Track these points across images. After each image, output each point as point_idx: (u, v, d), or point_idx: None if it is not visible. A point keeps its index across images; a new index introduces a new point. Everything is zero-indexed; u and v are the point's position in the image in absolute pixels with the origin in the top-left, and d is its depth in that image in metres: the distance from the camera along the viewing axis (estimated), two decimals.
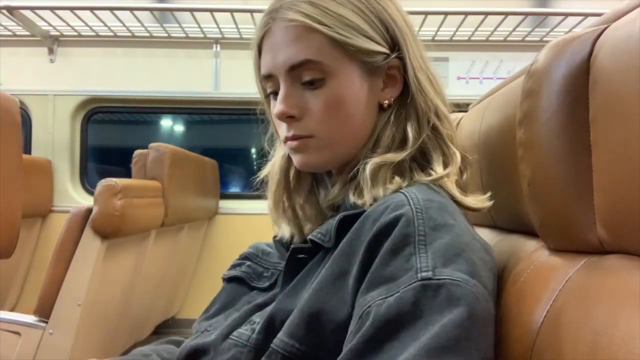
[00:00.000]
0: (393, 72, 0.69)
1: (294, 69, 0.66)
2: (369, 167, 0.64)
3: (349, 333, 0.54)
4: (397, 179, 0.64)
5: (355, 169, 0.66)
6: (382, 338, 0.50)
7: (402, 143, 0.67)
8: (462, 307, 0.50)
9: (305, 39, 0.65)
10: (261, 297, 0.72)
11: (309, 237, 0.66)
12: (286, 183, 0.75)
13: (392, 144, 0.68)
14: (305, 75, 0.66)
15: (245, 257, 0.80)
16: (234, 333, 0.65)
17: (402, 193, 0.60)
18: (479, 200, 0.67)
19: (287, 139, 0.69)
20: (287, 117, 0.67)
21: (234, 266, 0.80)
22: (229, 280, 0.78)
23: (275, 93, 0.68)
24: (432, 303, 0.50)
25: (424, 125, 0.67)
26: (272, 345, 0.58)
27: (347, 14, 0.65)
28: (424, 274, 0.52)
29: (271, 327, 0.61)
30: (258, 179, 0.78)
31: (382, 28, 0.67)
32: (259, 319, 0.65)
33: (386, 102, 0.69)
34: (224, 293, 0.77)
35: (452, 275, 0.52)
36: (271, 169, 0.77)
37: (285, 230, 0.76)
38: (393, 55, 0.68)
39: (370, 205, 0.62)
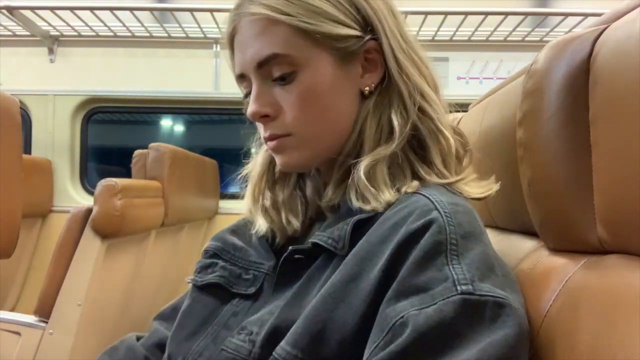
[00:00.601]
0: (372, 56, 0.64)
1: (262, 66, 0.62)
2: (362, 170, 0.61)
3: (372, 344, 0.50)
4: (414, 183, 0.61)
5: (351, 171, 0.63)
6: (419, 351, 0.47)
7: (391, 133, 0.63)
8: (510, 326, 0.47)
9: (270, 32, 0.61)
10: (249, 306, 0.66)
11: (313, 240, 0.61)
12: (269, 177, 0.72)
13: (380, 135, 0.64)
14: (275, 71, 0.62)
15: (214, 255, 0.72)
16: (228, 344, 0.60)
17: (425, 196, 0.57)
18: (484, 187, 0.65)
19: (265, 140, 0.66)
20: (262, 117, 0.64)
21: (204, 268, 0.71)
22: (202, 287, 0.69)
23: (250, 93, 0.65)
24: (476, 320, 0.47)
25: (410, 110, 0.63)
26: (274, 353, 0.54)
27: (312, 0, 0.61)
28: (463, 287, 0.48)
29: (274, 340, 0.56)
30: (240, 176, 0.75)
31: (353, 9, 0.63)
32: (255, 328, 0.60)
33: (367, 88, 0.64)
34: (200, 305, 0.68)
35: (493, 292, 0.49)
36: (253, 165, 0.74)
37: (261, 225, 0.71)
38: (367, 38, 0.63)
39: (384, 209, 0.59)
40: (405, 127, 0.62)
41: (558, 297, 0.50)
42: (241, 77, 0.66)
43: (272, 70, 0.63)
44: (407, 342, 0.47)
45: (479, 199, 0.64)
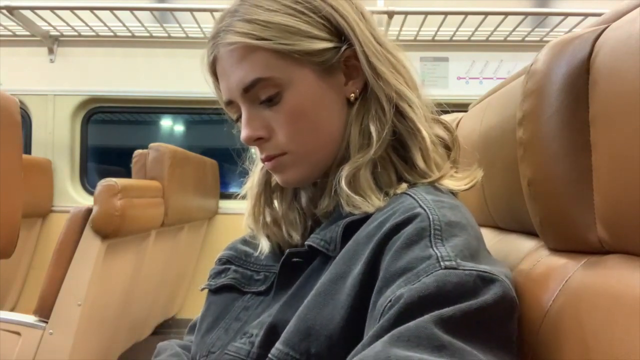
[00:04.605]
0: (352, 63, 0.65)
1: (248, 91, 0.64)
2: (344, 181, 0.62)
3: (366, 335, 0.50)
4: (403, 185, 0.62)
5: (335, 178, 0.64)
6: (404, 320, 0.47)
7: (371, 138, 0.64)
8: (491, 294, 0.48)
9: (250, 58, 0.63)
10: (260, 301, 0.68)
11: (308, 242, 0.63)
12: (267, 194, 0.73)
13: (362, 141, 0.64)
14: (261, 94, 0.64)
15: (226, 262, 0.74)
16: (230, 348, 0.62)
17: (410, 196, 0.59)
18: (468, 177, 0.66)
19: (262, 161, 0.68)
20: (255, 140, 0.66)
21: (218, 273, 0.74)
22: (216, 290, 0.72)
23: (241, 117, 0.67)
24: (458, 291, 0.48)
25: (388, 114, 0.64)
26: (269, 355, 0.56)
27: (284, 20, 0.62)
28: (447, 263, 0.49)
29: (272, 340, 0.57)
30: (240, 196, 0.76)
31: (325, 22, 0.64)
32: (256, 330, 0.61)
33: (352, 95, 0.66)
34: (214, 306, 0.71)
35: (477, 267, 0.50)
36: (250, 184, 0.75)
37: (264, 247, 0.73)
38: (343, 47, 0.64)
39: (374, 211, 0.60)
40: (383, 132, 0.63)
41: (558, 297, 0.50)
42: (229, 104, 0.68)
43: (259, 94, 0.64)
44: (393, 317, 0.48)
45: (466, 190, 0.65)
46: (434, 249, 0.51)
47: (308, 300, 0.57)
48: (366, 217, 0.61)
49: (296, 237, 0.71)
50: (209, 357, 0.65)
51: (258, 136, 0.65)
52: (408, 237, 0.53)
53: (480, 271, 0.50)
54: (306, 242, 0.63)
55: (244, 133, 0.65)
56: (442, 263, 0.50)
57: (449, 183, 0.64)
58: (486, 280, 0.49)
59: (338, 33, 0.64)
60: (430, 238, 0.53)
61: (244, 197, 0.76)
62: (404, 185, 0.62)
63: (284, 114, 0.64)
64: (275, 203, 0.74)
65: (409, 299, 0.48)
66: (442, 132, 0.68)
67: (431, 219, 0.54)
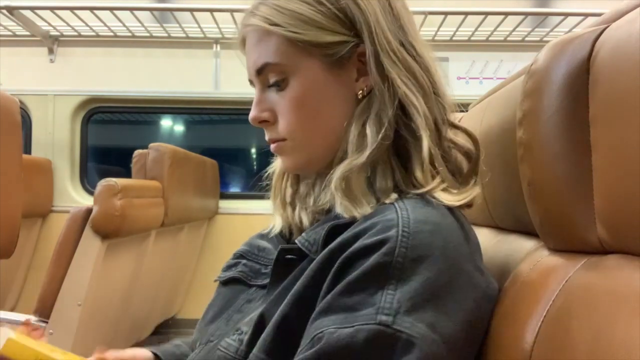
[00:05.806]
0: (366, 59, 0.63)
1: (260, 74, 0.66)
2: (334, 184, 0.61)
3: (299, 352, 0.53)
4: (393, 195, 0.60)
5: (327, 178, 0.63)
6: None
7: (365, 140, 0.62)
8: None
9: (264, 42, 0.65)
10: (263, 294, 0.67)
11: (296, 240, 0.63)
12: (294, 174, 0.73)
13: (362, 141, 0.62)
14: (270, 78, 0.65)
15: (240, 256, 0.76)
16: (222, 344, 0.62)
17: (395, 209, 0.57)
18: (464, 193, 0.62)
19: (267, 143, 0.69)
20: (261, 122, 0.67)
21: (229, 267, 0.75)
22: (225, 282, 0.74)
23: None
24: (382, 354, 0.50)
25: (389, 117, 0.61)
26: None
27: (299, 8, 0.62)
28: (383, 317, 0.50)
29: (259, 337, 0.58)
30: (266, 174, 0.76)
31: (341, 14, 0.62)
32: (246, 327, 0.62)
33: (360, 92, 0.64)
34: (220, 297, 0.73)
35: (410, 329, 0.50)
36: (277, 163, 0.75)
37: (277, 222, 0.74)
38: (353, 42, 0.63)
39: (361, 217, 0.59)
40: (378, 136, 0.61)
41: (558, 297, 0.50)
42: (251, 83, 0.70)
43: (268, 78, 0.66)
44: (313, 355, 0.50)
45: (459, 206, 0.61)
46: (382, 293, 0.52)
47: (284, 305, 0.57)
48: (353, 222, 0.59)
49: (306, 223, 0.70)
50: (207, 346, 0.66)
51: (262, 119, 0.67)
52: (364, 271, 0.53)
53: (411, 336, 0.50)
54: (294, 240, 0.64)
55: (251, 113, 0.67)
56: (377, 317, 0.50)
57: (443, 196, 0.60)
58: (413, 345, 0.50)
59: (353, 27, 0.63)
60: (386, 277, 0.52)
61: (270, 176, 0.76)
62: (394, 196, 0.60)
63: (287, 100, 0.65)
64: (300, 183, 0.73)
65: (333, 346, 0.50)
66: (460, 140, 0.65)
67: (396, 254, 0.52)
